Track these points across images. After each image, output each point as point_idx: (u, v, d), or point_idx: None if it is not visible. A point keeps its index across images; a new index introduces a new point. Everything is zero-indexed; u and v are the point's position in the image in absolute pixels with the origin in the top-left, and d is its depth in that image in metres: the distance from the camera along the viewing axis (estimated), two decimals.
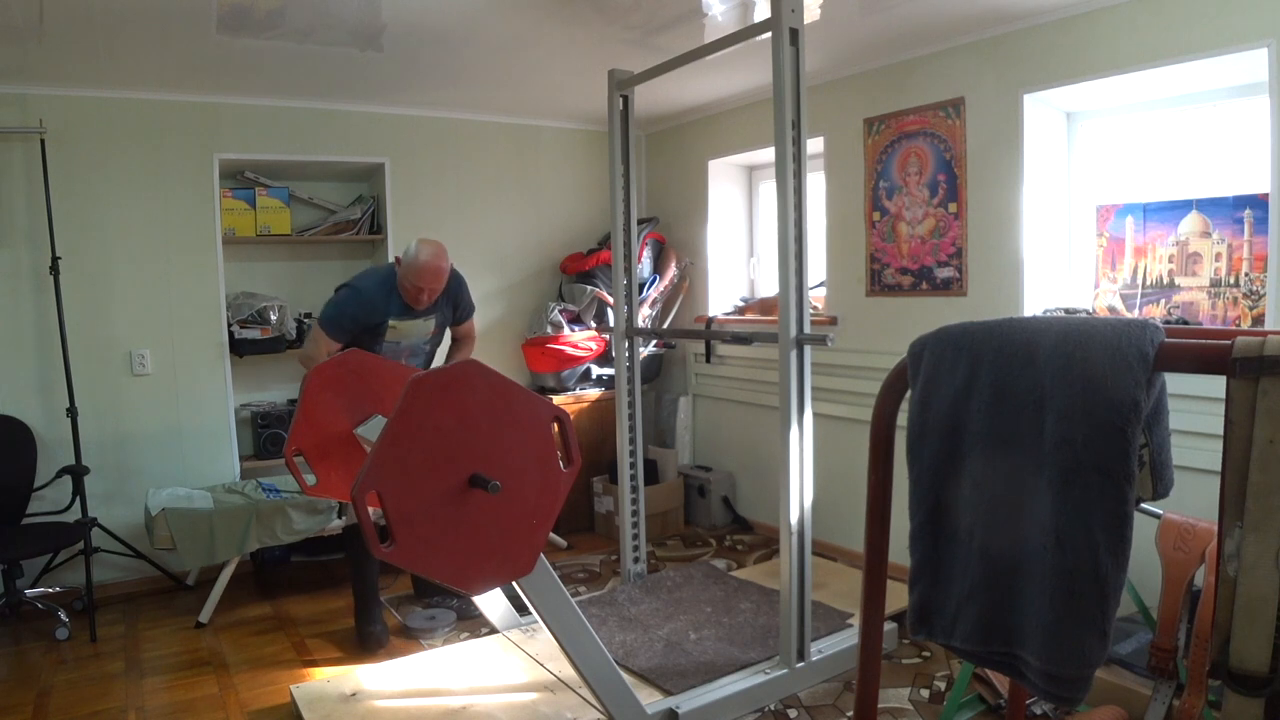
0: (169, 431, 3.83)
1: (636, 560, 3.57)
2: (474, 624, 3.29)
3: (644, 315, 4.47)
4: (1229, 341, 0.89)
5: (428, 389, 1.88)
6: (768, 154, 4.37)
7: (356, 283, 3.12)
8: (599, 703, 2.32)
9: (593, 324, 4.58)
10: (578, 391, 4.52)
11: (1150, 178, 3.04)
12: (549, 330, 4.47)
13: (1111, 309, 3.16)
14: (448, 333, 3.47)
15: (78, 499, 3.35)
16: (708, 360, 3.69)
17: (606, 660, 2.27)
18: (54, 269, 3.39)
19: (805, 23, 2.57)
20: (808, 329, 2.63)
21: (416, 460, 1.84)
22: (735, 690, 2.58)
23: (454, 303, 3.31)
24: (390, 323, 3.10)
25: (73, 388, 3.42)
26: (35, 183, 3.45)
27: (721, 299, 4.73)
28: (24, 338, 3.55)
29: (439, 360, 3.69)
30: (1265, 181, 2.57)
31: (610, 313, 4.23)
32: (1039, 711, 2.41)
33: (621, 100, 3.37)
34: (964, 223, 3.34)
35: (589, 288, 4.54)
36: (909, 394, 1.20)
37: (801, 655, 2.71)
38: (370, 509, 1.84)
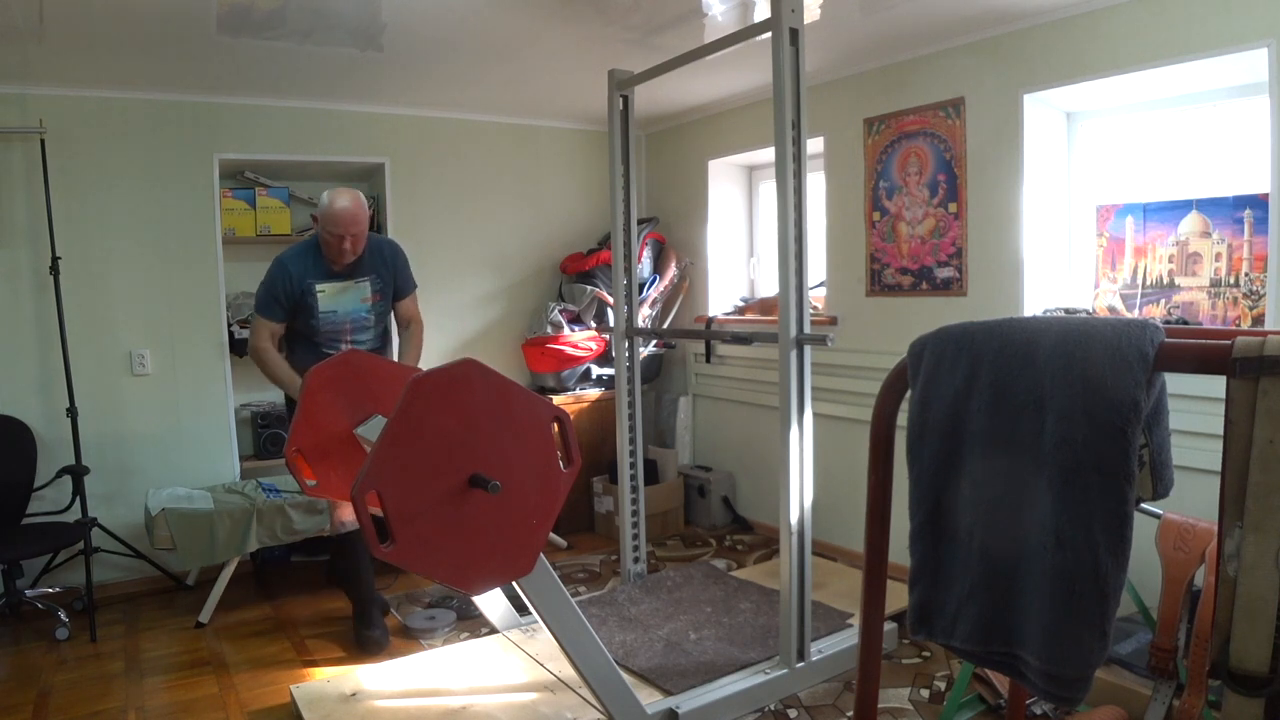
0: (169, 431, 3.83)
1: (636, 560, 3.57)
2: (474, 624, 3.29)
3: (644, 315, 4.47)
4: (1229, 341, 0.89)
5: (428, 389, 1.88)
6: (768, 154, 4.37)
7: (280, 256, 3.05)
8: (599, 703, 2.32)
9: (593, 324, 4.58)
10: (578, 391, 4.52)
11: (1150, 178, 3.04)
12: (549, 330, 4.47)
13: (1111, 309, 3.16)
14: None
15: (78, 499, 3.35)
16: (708, 360, 3.69)
17: (606, 660, 2.27)
18: (54, 269, 3.39)
19: (805, 23, 2.57)
20: (808, 329, 2.63)
21: (416, 460, 1.84)
22: (735, 690, 2.58)
23: (392, 269, 3.18)
24: (318, 288, 3.00)
25: (73, 388, 3.42)
26: (35, 183, 3.45)
27: (721, 299, 4.73)
28: (24, 338, 3.55)
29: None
30: (1265, 181, 2.57)
31: (610, 313, 4.23)
32: (1039, 711, 2.41)
33: (621, 100, 3.37)
34: (964, 223, 3.34)
35: (589, 288, 4.54)
36: (909, 394, 1.20)
37: (801, 655, 2.71)
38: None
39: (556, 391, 4.50)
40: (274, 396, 4.19)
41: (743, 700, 2.58)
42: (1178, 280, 2.96)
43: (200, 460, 3.88)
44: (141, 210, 3.74)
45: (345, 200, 2.91)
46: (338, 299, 3.04)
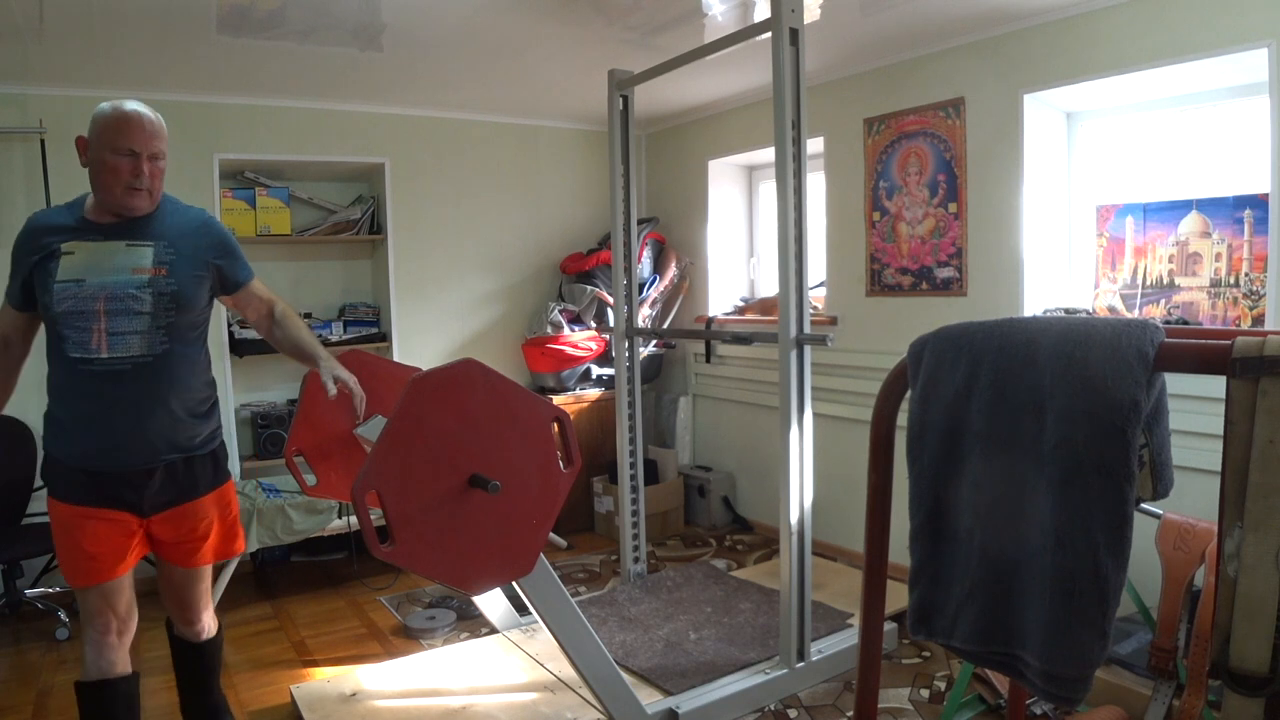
0: None
1: (636, 560, 3.57)
2: (474, 624, 3.29)
3: (644, 315, 4.47)
4: (1229, 341, 0.89)
5: (428, 389, 1.87)
6: (768, 154, 4.37)
7: (30, 216, 2.05)
8: (599, 703, 2.32)
9: (593, 324, 4.59)
10: (578, 391, 4.52)
11: (1150, 178, 3.04)
12: (549, 330, 4.47)
13: (1111, 309, 3.16)
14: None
15: None
16: (708, 360, 3.69)
17: (606, 660, 2.27)
18: None
19: (805, 23, 2.57)
20: (808, 329, 2.63)
21: (416, 460, 1.84)
22: (735, 690, 2.58)
23: (205, 247, 2.05)
24: (63, 248, 1.91)
25: None
26: (35, 183, 3.45)
27: (721, 299, 4.73)
28: None
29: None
30: (1265, 181, 2.57)
31: (610, 313, 4.23)
32: (1039, 711, 2.41)
33: (621, 100, 3.37)
34: (964, 223, 3.34)
35: (589, 288, 4.55)
36: (909, 394, 1.20)
37: (801, 655, 2.71)
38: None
39: (556, 391, 4.50)
40: (274, 396, 4.19)
41: (743, 700, 2.58)
42: (1178, 280, 2.96)
43: None
44: None
45: (140, 105, 1.95)
46: (90, 263, 1.91)
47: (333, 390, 2.14)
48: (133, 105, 1.94)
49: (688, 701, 2.51)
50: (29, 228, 1.98)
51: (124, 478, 1.93)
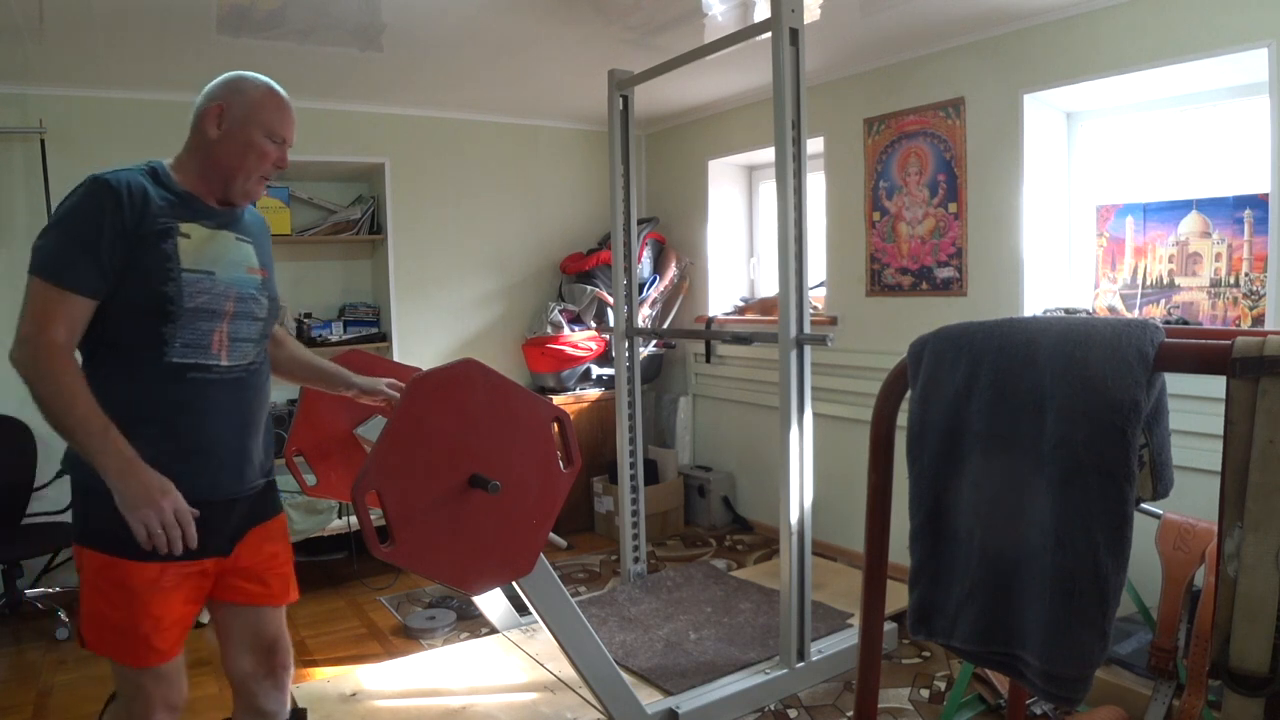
0: None
1: (636, 560, 3.57)
2: (474, 624, 3.29)
3: (644, 315, 4.47)
4: (1229, 341, 0.89)
5: (428, 389, 1.87)
6: (768, 154, 4.37)
7: (100, 175, 1.55)
8: (599, 703, 2.32)
9: (593, 324, 4.59)
10: (578, 391, 4.52)
11: (1150, 178, 3.04)
12: (549, 330, 4.47)
13: (1111, 309, 3.16)
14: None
15: None
16: (708, 360, 3.69)
17: (606, 660, 2.27)
18: None
19: (805, 23, 2.57)
20: (808, 329, 2.63)
21: (416, 460, 1.84)
22: (735, 690, 2.58)
23: (270, 253, 1.81)
24: (181, 229, 1.57)
25: None
26: (35, 183, 3.45)
27: (721, 299, 4.73)
28: None
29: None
30: (1265, 181, 2.57)
31: (610, 313, 4.23)
32: (1039, 711, 2.41)
33: (621, 100, 3.37)
34: (964, 223, 3.34)
35: (589, 288, 4.55)
36: (909, 394, 1.20)
37: (801, 655, 2.71)
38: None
39: (556, 391, 4.50)
40: (274, 396, 4.17)
41: (743, 700, 2.58)
42: (1178, 280, 2.96)
43: None
44: None
45: (280, 88, 1.76)
46: (212, 253, 1.61)
47: (394, 394, 2.11)
48: (278, 86, 1.76)
49: (688, 701, 2.51)
50: (124, 188, 1.51)
51: (217, 508, 1.58)
